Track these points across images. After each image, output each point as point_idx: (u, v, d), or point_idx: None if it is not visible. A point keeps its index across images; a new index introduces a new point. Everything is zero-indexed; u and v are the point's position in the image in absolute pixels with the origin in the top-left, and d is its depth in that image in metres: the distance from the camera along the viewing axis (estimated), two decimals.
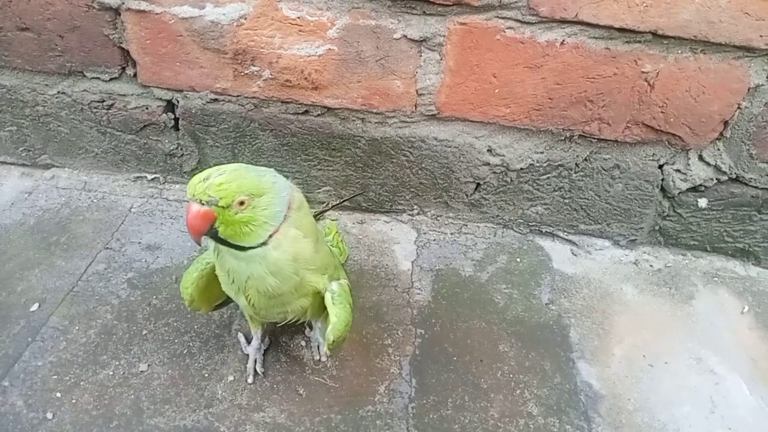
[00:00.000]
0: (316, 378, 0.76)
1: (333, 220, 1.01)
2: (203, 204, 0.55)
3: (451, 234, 1.03)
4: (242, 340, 0.79)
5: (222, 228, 0.56)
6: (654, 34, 0.83)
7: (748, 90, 0.87)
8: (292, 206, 0.60)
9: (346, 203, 1.03)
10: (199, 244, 0.61)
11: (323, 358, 0.78)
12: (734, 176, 0.95)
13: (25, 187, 1.02)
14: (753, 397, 0.79)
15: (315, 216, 0.84)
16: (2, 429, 0.66)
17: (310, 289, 0.64)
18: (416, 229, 1.03)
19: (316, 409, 0.72)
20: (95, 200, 1.01)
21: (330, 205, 0.88)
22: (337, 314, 0.63)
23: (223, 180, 0.55)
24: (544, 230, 1.05)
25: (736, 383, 0.81)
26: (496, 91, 0.91)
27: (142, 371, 0.74)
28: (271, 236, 0.58)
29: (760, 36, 0.81)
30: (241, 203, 0.56)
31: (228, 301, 0.74)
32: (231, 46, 0.89)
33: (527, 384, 0.78)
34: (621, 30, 0.83)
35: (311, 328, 0.80)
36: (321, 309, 0.66)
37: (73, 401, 0.70)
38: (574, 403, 0.76)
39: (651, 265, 1.01)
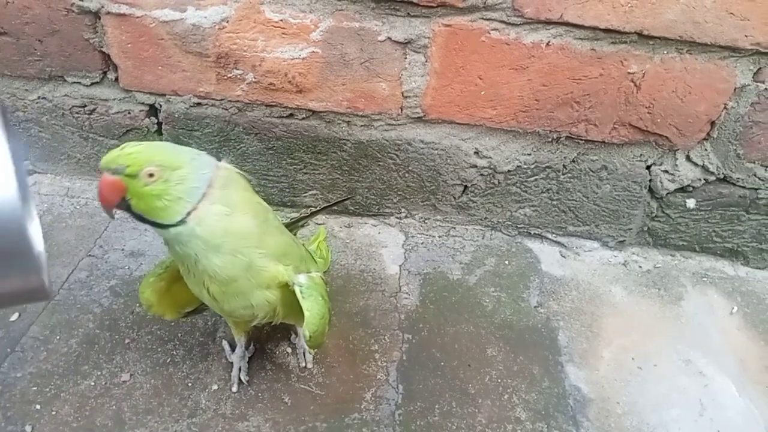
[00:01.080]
0: (302, 386, 0.75)
1: (320, 224, 1.00)
2: (112, 173, 0.53)
3: (439, 237, 1.02)
4: (226, 347, 0.77)
5: (134, 201, 0.55)
6: (639, 34, 0.83)
7: (735, 90, 0.87)
8: (214, 184, 0.56)
9: (334, 207, 1.02)
10: (112, 217, 0.58)
11: (309, 365, 0.77)
12: (722, 176, 0.95)
13: None
14: (742, 399, 0.79)
15: (299, 221, 0.83)
16: None
17: (270, 280, 0.61)
18: (404, 233, 1.03)
19: (302, 417, 0.71)
20: (78, 206, 1.00)
21: (316, 210, 0.87)
22: (309, 308, 0.61)
23: (134, 150, 0.54)
24: (532, 232, 1.04)
25: (725, 385, 0.81)
26: (482, 92, 0.90)
27: (124, 381, 0.73)
28: (189, 214, 0.55)
29: (746, 36, 0.81)
30: (150, 175, 0.53)
31: (200, 309, 0.73)
32: (213, 50, 0.88)
33: (515, 389, 0.77)
34: (606, 31, 0.83)
35: (297, 334, 0.79)
36: (298, 310, 0.63)
37: (53, 413, 0.69)
38: (562, 408, 0.75)
39: (640, 266, 1.00)
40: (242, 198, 0.59)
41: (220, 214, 0.56)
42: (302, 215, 0.83)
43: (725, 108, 0.89)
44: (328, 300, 0.65)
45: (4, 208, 0.36)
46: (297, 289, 0.62)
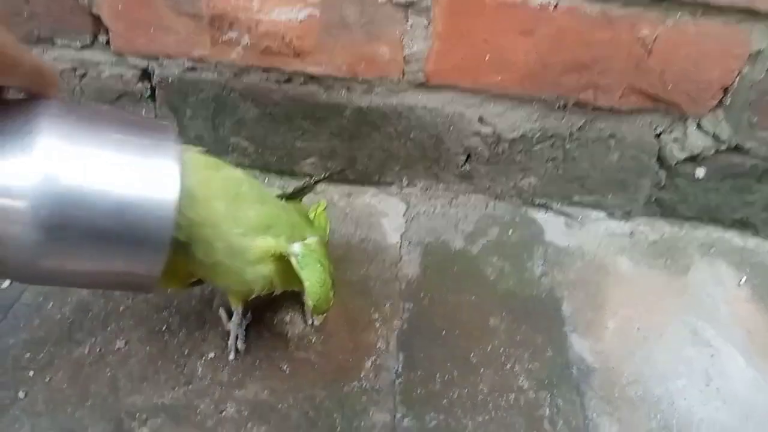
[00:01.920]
0: (301, 354, 0.74)
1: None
2: None
3: (441, 206, 1.00)
4: (223, 316, 0.76)
5: None
6: None
7: (750, 56, 0.84)
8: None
9: (328, 177, 0.99)
10: None
11: (317, 322, 0.76)
12: (733, 145, 0.92)
13: None
14: (749, 370, 0.78)
15: (301, 190, 0.80)
16: None
17: (260, 255, 0.59)
18: (405, 202, 1.00)
19: (300, 385, 0.70)
20: None
21: (313, 181, 0.85)
22: (308, 277, 0.59)
23: None
24: (537, 202, 1.02)
25: (732, 355, 0.79)
26: (487, 57, 0.87)
27: (119, 348, 0.72)
28: None
29: None
30: None
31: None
32: (207, 11, 0.85)
33: (518, 358, 0.76)
34: None
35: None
36: (295, 277, 0.60)
37: (47, 380, 0.67)
38: (566, 377, 0.74)
39: (646, 237, 0.98)
40: (202, 182, 0.55)
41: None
42: (305, 184, 0.80)
43: (739, 74, 0.86)
44: (328, 264, 0.63)
45: (165, 210, 0.43)
46: (293, 260, 0.60)
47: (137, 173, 0.44)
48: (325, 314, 0.76)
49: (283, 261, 0.61)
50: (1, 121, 0.41)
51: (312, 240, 0.63)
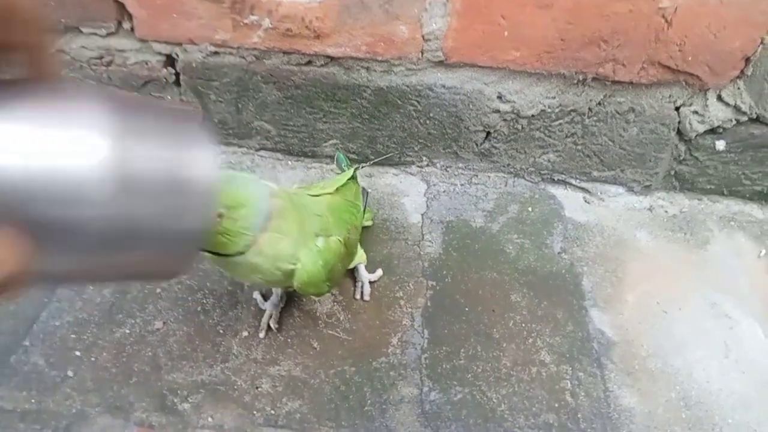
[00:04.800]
0: (330, 332, 0.77)
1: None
2: None
3: (461, 185, 1.01)
4: (258, 297, 0.79)
5: None
6: None
7: None
8: (273, 216, 0.60)
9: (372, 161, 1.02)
10: None
11: (366, 297, 0.81)
12: (754, 116, 0.91)
13: None
14: None
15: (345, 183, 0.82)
16: (27, 386, 0.68)
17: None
18: (425, 181, 1.02)
19: (330, 361, 0.73)
20: None
21: (362, 166, 0.88)
22: (303, 265, 0.63)
23: None
24: (556, 178, 1.03)
25: (751, 327, 0.81)
26: (506, 33, 0.87)
27: (158, 329, 0.75)
28: (248, 246, 0.59)
29: None
30: (219, 215, 0.56)
31: None
32: None
33: (539, 333, 0.78)
34: None
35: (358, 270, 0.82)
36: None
37: (93, 359, 0.72)
38: (586, 351, 0.76)
39: (666, 211, 0.99)
40: (291, 220, 0.63)
41: (274, 242, 0.60)
42: (350, 171, 0.82)
43: (762, 43, 0.85)
44: (334, 263, 0.67)
45: (206, 198, 0.41)
46: (307, 249, 0.65)
47: (178, 161, 0.43)
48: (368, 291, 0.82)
49: None
50: (33, 97, 0.38)
51: (334, 239, 0.67)
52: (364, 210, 0.84)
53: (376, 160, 0.95)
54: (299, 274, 0.64)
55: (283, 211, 0.62)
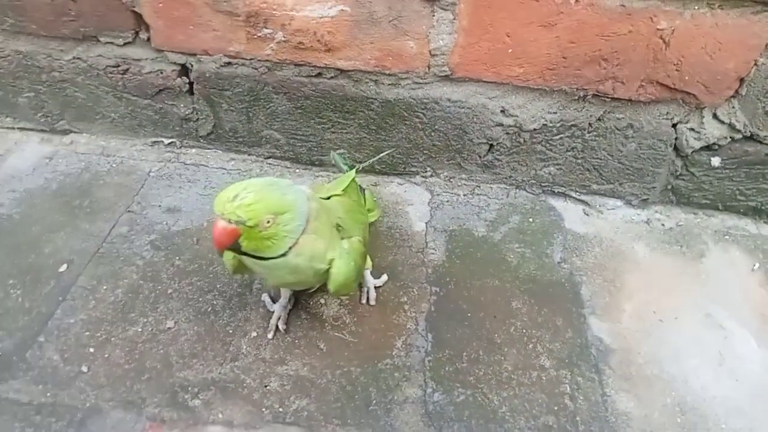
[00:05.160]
0: (336, 334, 0.79)
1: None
2: (231, 222, 0.58)
3: (464, 195, 1.04)
4: (267, 299, 0.81)
5: (245, 243, 0.60)
6: None
7: (766, 46, 0.86)
8: (310, 218, 0.64)
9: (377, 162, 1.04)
10: (221, 256, 0.65)
11: (372, 302, 0.83)
12: (748, 134, 0.95)
13: (45, 153, 1.04)
14: (761, 351, 0.82)
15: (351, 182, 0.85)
16: (42, 381, 0.70)
17: (328, 264, 0.69)
18: (430, 191, 1.05)
19: (337, 362, 0.75)
20: (114, 165, 1.03)
21: (362, 166, 0.91)
22: (338, 267, 0.68)
23: (251, 201, 0.59)
24: (556, 191, 1.06)
25: (745, 338, 0.83)
26: (510, 50, 0.91)
27: (169, 328, 0.78)
28: (291, 247, 0.63)
29: None
30: (267, 222, 0.60)
31: None
32: (243, 8, 0.89)
33: (540, 338, 0.80)
34: None
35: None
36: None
37: (106, 356, 0.74)
38: (585, 357, 0.78)
39: (662, 224, 1.02)
40: (323, 222, 0.67)
41: (311, 243, 0.64)
42: (352, 172, 0.85)
43: (755, 64, 0.88)
44: (360, 262, 0.72)
45: None
46: (338, 252, 0.68)
47: None
48: (346, 299, 0.84)
49: None
50: None
51: (356, 239, 0.72)
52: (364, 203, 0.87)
53: (374, 159, 0.98)
54: (335, 278, 0.68)
55: (318, 213, 0.66)
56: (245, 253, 0.62)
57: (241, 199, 0.58)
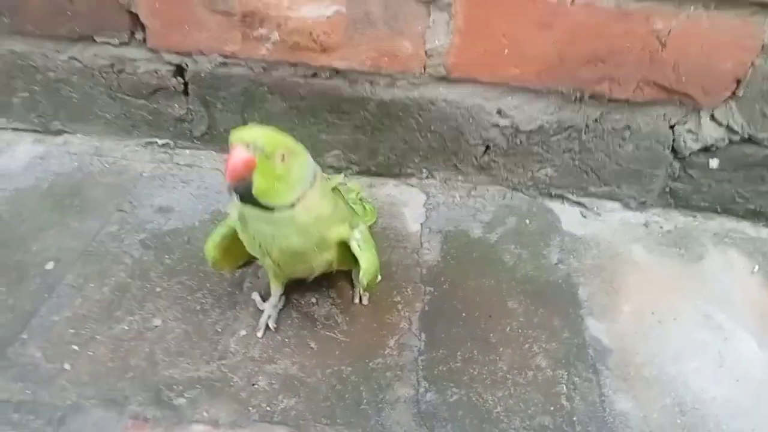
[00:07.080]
0: (327, 333, 0.77)
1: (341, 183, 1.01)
2: (248, 148, 0.56)
3: (460, 197, 1.03)
4: (257, 298, 0.79)
5: (258, 179, 0.57)
6: None
7: (762, 47, 0.86)
8: (317, 177, 0.64)
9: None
10: (231, 195, 0.60)
11: (365, 302, 0.81)
12: (746, 136, 0.94)
13: (37, 153, 1.04)
14: (762, 352, 0.80)
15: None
16: (23, 378, 0.68)
17: (332, 242, 0.68)
18: (425, 193, 1.04)
19: (327, 361, 0.73)
20: (107, 165, 1.02)
21: (345, 176, 0.92)
22: (366, 259, 0.68)
23: (269, 132, 0.59)
24: (553, 193, 1.05)
25: (745, 339, 0.81)
26: (506, 51, 0.90)
27: (156, 326, 0.76)
28: (299, 200, 0.62)
29: None
30: (282, 157, 0.58)
31: (250, 261, 0.78)
32: (239, 8, 0.89)
33: (536, 338, 0.78)
34: None
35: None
36: (348, 258, 0.70)
37: (90, 354, 0.72)
38: (582, 357, 0.77)
39: (661, 227, 1.01)
40: (327, 191, 0.67)
41: (318, 201, 0.64)
42: (339, 177, 0.86)
43: (752, 66, 0.88)
44: (376, 247, 0.71)
45: None
46: (354, 244, 0.68)
47: None
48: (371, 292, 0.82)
49: (342, 246, 0.69)
50: None
51: (363, 227, 0.71)
52: None
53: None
54: (367, 267, 0.68)
55: (322, 179, 0.66)
56: (253, 201, 0.60)
57: (256, 129, 0.59)
